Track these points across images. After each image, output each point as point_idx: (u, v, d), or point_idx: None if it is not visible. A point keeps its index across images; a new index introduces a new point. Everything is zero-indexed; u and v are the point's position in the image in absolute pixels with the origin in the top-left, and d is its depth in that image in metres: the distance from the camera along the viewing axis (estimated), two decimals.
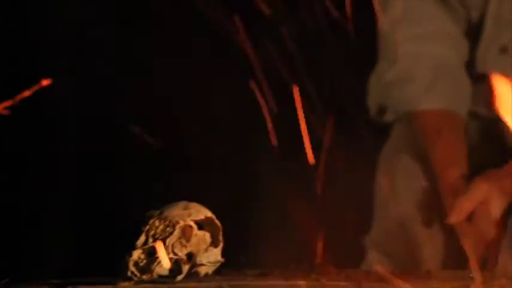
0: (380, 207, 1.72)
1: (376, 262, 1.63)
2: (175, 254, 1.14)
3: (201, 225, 1.16)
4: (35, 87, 1.46)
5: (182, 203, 1.16)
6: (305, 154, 1.57)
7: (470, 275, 1.13)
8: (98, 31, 2.19)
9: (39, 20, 2.22)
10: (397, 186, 1.70)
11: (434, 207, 1.64)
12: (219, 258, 1.17)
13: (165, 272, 1.14)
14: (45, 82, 1.39)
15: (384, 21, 1.67)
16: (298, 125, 1.95)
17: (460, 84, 1.67)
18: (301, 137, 1.96)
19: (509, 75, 1.59)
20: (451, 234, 1.58)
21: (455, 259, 1.59)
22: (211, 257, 1.16)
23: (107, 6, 2.17)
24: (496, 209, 1.47)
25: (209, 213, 1.17)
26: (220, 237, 1.17)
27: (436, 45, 1.66)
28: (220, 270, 1.19)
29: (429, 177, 1.66)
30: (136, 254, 1.13)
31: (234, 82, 2.10)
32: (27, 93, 1.44)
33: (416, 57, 1.65)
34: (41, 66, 2.16)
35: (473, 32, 1.67)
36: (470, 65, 1.69)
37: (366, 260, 1.67)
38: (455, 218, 1.48)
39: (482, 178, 1.49)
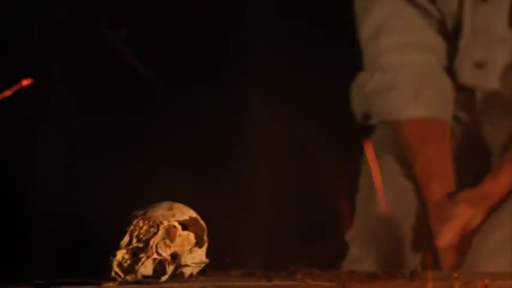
0: (361, 205, 1.73)
1: (358, 258, 1.65)
2: (159, 254, 1.14)
3: (185, 225, 1.15)
4: (16, 87, 1.45)
5: (166, 203, 1.16)
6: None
7: (455, 275, 1.14)
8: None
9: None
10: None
11: (414, 206, 1.66)
12: (204, 258, 1.16)
13: (149, 273, 1.13)
14: (25, 82, 1.38)
15: (364, 32, 1.70)
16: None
17: (444, 91, 1.69)
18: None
19: (485, 89, 1.63)
20: (430, 233, 1.61)
21: (434, 256, 1.62)
22: (195, 258, 1.16)
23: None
24: (475, 227, 1.54)
25: (193, 214, 1.16)
26: (205, 238, 1.17)
27: (418, 54, 1.68)
28: (205, 271, 1.19)
29: (410, 177, 1.68)
30: (120, 255, 1.12)
31: None
32: (7, 92, 1.44)
33: (398, 66, 1.67)
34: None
35: (452, 42, 1.69)
36: (450, 72, 1.72)
37: (348, 257, 1.68)
38: (442, 243, 1.54)
39: (466, 202, 1.54)
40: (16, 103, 1.82)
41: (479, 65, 1.64)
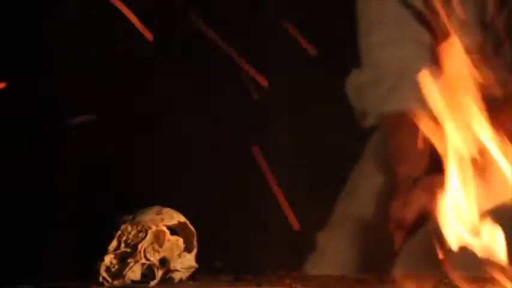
0: (340, 206, 1.74)
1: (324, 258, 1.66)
2: (147, 259, 1.13)
3: (174, 230, 1.15)
4: None
5: (155, 208, 1.15)
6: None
7: None
8: None
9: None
10: (359, 188, 1.73)
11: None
12: (193, 263, 1.16)
13: (137, 278, 1.13)
14: (1, 85, 1.37)
15: (359, 30, 1.74)
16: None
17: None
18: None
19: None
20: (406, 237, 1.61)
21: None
22: (185, 263, 1.15)
23: None
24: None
25: (182, 218, 1.16)
26: (194, 243, 1.16)
27: (405, 48, 1.71)
28: (194, 276, 1.18)
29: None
30: (108, 259, 1.12)
31: None
32: None
33: (384, 61, 1.70)
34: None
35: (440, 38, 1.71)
36: None
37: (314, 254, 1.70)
38: (399, 227, 1.54)
39: (425, 187, 1.55)
40: None
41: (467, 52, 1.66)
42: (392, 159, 1.64)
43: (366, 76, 1.71)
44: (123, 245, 1.12)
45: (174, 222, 1.15)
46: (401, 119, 1.65)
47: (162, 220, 1.14)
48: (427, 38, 1.72)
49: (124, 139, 2.15)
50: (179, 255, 1.15)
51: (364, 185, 1.71)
